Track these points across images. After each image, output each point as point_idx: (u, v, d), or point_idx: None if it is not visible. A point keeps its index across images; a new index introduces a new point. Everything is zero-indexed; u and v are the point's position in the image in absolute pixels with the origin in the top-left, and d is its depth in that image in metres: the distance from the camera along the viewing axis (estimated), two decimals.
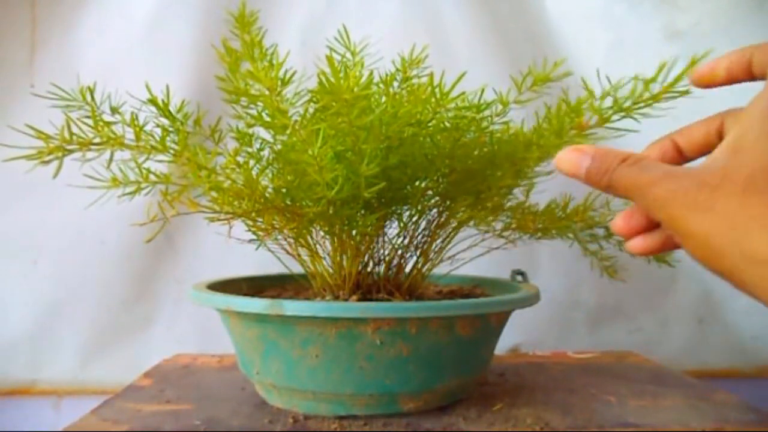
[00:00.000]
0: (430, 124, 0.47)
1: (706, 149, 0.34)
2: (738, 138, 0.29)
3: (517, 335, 0.84)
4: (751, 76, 0.34)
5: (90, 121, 0.41)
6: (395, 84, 0.53)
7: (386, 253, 0.56)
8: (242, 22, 0.51)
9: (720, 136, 0.34)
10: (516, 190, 0.56)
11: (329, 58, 0.39)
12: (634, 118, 0.43)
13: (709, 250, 0.28)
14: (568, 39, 0.83)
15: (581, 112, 0.47)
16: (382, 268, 0.56)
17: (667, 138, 0.35)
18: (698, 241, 0.28)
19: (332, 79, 0.38)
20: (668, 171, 0.30)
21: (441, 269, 0.60)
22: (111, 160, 0.42)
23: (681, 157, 0.35)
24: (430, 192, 0.53)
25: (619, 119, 0.43)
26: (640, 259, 0.61)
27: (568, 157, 0.33)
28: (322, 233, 0.53)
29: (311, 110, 0.47)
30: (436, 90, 0.44)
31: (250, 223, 0.50)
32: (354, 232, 0.52)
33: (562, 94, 0.48)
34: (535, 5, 0.83)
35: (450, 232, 0.56)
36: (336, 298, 0.53)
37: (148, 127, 0.44)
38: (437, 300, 0.56)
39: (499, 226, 0.57)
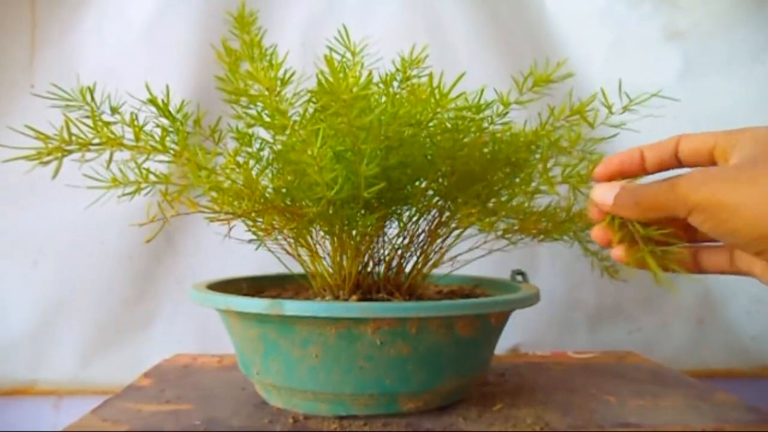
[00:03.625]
0: (430, 125, 0.47)
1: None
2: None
3: (517, 335, 0.84)
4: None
5: (89, 122, 0.41)
6: (395, 84, 0.53)
7: (386, 253, 0.56)
8: (242, 23, 0.51)
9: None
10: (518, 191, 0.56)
11: (327, 59, 0.39)
12: None
13: (748, 220, 0.29)
14: (568, 39, 0.83)
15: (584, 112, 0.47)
16: (382, 268, 0.56)
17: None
18: (742, 212, 0.29)
19: (331, 80, 0.38)
20: (694, 170, 0.33)
21: (441, 269, 0.60)
22: (110, 160, 0.42)
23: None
24: (430, 192, 0.53)
25: None
26: None
27: (599, 190, 0.37)
28: (322, 233, 0.53)
29: (311, 110, 0.47)
30: (436, 90, 0.44)
31: (250, 223, 0.50)
32: (354, 232, 0.52)
33: (566, 96, 0.48)
34: (535, 5, 0.83)
35: (450, 233, 0.56)
36: (336, 298, 0.53)
37: (147, 128, 0.44)
38: (437, 300, 0.56)
39: (501, 227, 0.57)
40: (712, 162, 0.35)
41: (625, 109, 0.47)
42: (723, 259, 0.37)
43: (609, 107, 0.47)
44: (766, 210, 0.28)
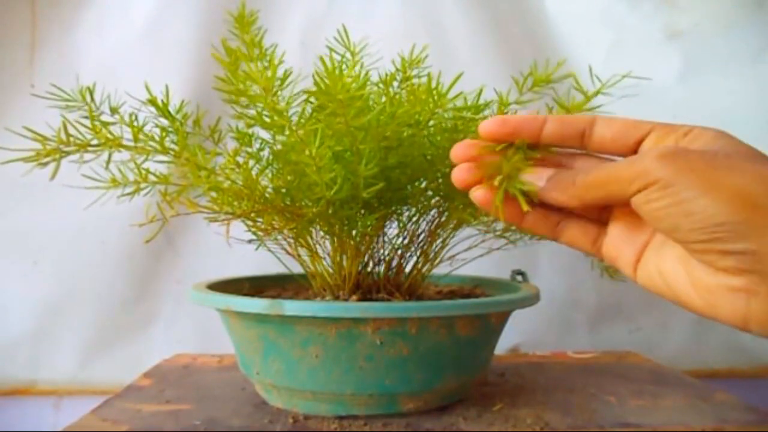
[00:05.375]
0: (429, 125, 0.47)
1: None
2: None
3: (517, 335, 0.84)
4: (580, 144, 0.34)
5: (88, 122, 0.41)
6: (395, 84, 0.53)
7: (386, 253, 0.56)
8: (242, 22, 0.51)
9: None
10: None
11: (323, 59, 0.39)
12: None
13: (715, 204, 0.27)
14: (568, 39, 0.83)
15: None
16: (382, 268, 0.56)
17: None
18: (712, 194, 0.27)
19: (327, 80, 0.38)
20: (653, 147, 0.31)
21: (441, 269, 0.60)
22: (109, 160, 0.42)
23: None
24: (429, 192, 0.53)
25: None
26: None
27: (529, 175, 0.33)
28: (322, 233, 0.53)
29: (309, 110, 0.47)
30: (434, 90, 0.44)
31: (250, 223, 0.50)
32: (354, 232, 0.52)
33: (555, 94, 0.48)
34: (535, 5, 0.83)
35: (450, 232, 0.56)
36: (336, 298, 0.53)
37: (147, 128, 0.44)
38: (437, 300, 0.56)
39: (499, 226, 0.57)
40: (634, 152, 0.32)
41: (597, 92, 0.47)
42: (588, 236, 0.35)
43: (585, 93, 0.47)
44: (737, 198, 0.27)
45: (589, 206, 0.33)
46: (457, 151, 0.35)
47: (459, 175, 0.35)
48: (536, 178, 0.33)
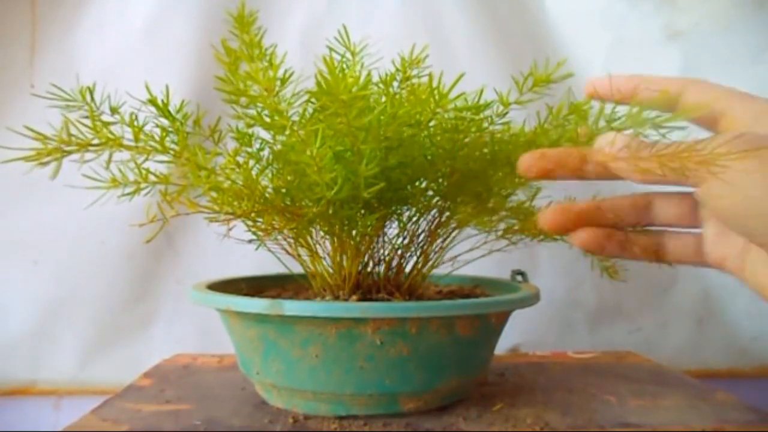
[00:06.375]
0: (430, 125, 0.47)
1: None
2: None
3: (517, 335, 0.84)
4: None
5: (89, 122, 0.41)
6: (395, 84, 0.53)
7: (386, 253, 0.56)
8: (241, 23, 0.51)
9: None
10: (519, 192, 0.56)
11: (326, 59, 0.39)
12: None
13: None
14: (568, 39, 0.83)
15: (585, 114, 0.47)
16: (382, 268, 0.56)
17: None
18: None
19: (329, 80, 0.38)
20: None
21: (441, 269, 0.60)
22: (110, 160, 0.42)
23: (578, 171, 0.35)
24: (430, 192, 0.53)
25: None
26: None
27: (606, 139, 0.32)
28: (322, 233, 0.53)
29: (310, 110, 0.47)
30: (435, 91, 0.44)
31: (250, 223, 0.50)
32: (354, 232, 0.52)
33: (564, 95, 0.48)
34: (535, 5, 0.83)
35: (450, 233, 0.56)
36: (336, 298, 0.53)
37: (147, 128, 0.44)
38: (437, 300, 0.56)
39: (501, 227, 0.57)
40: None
41: (617, 102, 0.47)
42: (689, 248, 0.33)
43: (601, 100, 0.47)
44: None
45: (653, 183, 0.31)
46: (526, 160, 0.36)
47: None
48: (609, 143, 0.31)
